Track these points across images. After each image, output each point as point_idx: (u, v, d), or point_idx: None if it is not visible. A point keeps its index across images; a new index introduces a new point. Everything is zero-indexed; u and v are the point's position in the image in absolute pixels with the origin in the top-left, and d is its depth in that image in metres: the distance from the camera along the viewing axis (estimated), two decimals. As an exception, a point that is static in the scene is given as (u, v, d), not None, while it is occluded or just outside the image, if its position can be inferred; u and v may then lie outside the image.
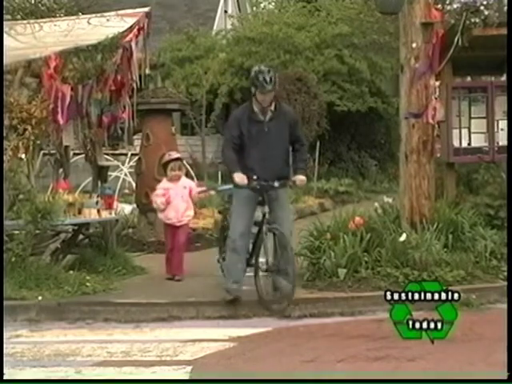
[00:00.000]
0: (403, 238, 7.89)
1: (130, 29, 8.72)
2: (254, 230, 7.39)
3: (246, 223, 7.26)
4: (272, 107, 7.24)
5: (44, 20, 10.53)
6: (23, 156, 7.99)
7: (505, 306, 6.18)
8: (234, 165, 7.16)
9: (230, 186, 7.95)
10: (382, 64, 20.44)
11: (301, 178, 7.29)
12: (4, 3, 12.83)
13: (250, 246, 7.45)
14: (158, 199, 8.54)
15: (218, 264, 8.34)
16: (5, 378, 5.04)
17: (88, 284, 7.81)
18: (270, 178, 7.14)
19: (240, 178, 7.03)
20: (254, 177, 7.08)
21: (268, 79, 7.07)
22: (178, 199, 8.50)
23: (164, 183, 8.62)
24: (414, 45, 8.45)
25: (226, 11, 25.44)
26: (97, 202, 8.67)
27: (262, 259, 7.30)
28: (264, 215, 7.22)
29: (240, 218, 7.26)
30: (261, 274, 7.24)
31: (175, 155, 8.78)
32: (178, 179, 8.58)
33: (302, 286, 7.64)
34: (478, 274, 7.85)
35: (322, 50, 20.69)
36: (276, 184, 7.16)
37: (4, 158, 7.84)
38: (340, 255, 7.70)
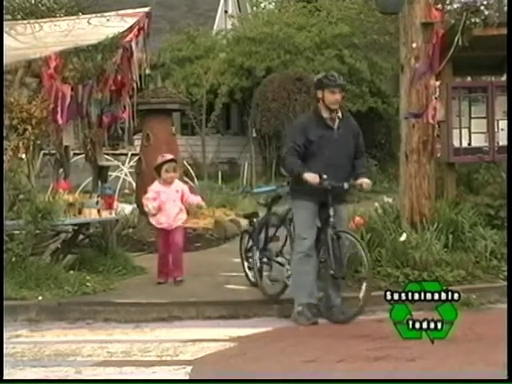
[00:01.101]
0: (403, 237, 7.89)
1: (130, 29, 8.72)
2: None
3: (313, 233, 6.94)
4: (339, 114, 7.05)
5: (44, 20, 10.52)
6: (23, 156, 7.99)
7: (505, 306, 6.18)
8: (300, 167, 6.85)
9: (268, 187, 7.91)
10: (382, 64, 20.44)
11: (366, 181, 7.05)
12: (4, 3, 12.82)
13: None
14: (149, 203, 8.21)
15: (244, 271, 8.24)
16: (5, 378, 5.04)
17: (88, 284, 7.81)
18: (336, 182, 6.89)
19: (311, 176, 6.72)
20: (324, 176, 6.76)
21: (337, 76, 7.03)
22: (170, 203, 8.20)
23: (156, 186, 8.32)
24: (414, 45, 8.45)
25: (226, 11, 25.45)
26: (97, 202, 8.66)
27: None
28: (328, 218, 6.87)
29: (307, 229, 6.93)
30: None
31: (169, 156, 8.49)
32: (171, 182, 8.29)
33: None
34: (478, 273, 7.85)
35: (322, 50, 20.70)
36: (346, 185, 6.92)
37: (4, 157, 7.83)
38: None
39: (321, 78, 7.08)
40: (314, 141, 6.90)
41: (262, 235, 7.88)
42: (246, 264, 8.27)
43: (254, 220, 8.25)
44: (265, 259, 7.79)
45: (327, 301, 6.94)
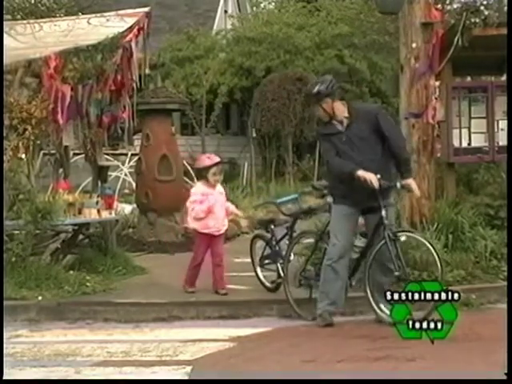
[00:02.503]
0: (403, 238, 7.89)
1: (130, 29, 8.72)
2: (359, 242, 6.91)
3: (349, 241, 6.72)
4: (345, 113, 6.75)
5: (44, 20, 10.53)
6: (23, 156, 7.99)
7: (505, 306, 6.19)
8: (350, 165, 6.54)
9: (290, 196, 7.79)
10: (382, 64, 20.44)
11: (415, 187, 6.78)
12: (4, 3, 12.81)
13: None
14: (197, 207, 7.70)
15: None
16: (5, 378, 5.04)
17: (88, 284, 7.81)
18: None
19: (369, 174, 6.41)
20: (378, 176, 6.45)
21: (311, 90, 6.82)
22: (218, 206, 7.76)
23: (200, 188, 7.82)
24: (413, 45, 8.45)
25: (226, 11, 25.43)
26: (97, 202, 8.66)
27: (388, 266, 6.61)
28: (381, 222, 6.56)
29: (339, 234, 6.68)
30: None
31: (217, 159, 7.94)
32: (216, 185, 7.84)
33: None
34: (478, 273, 7.85)
35: (322, 50, 20.69)
36: (398, 185, 6.68)
37: (4, 157, 7.84)
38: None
39: (317, 89, 6.76)
40: (334, 146, 6.70)
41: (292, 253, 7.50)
42: (259, 270, 8.01)
43: (272, 227, 7.95)
44: (304, 281, 7.29)
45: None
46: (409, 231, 6.95)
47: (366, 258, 6.77)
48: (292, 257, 7.50)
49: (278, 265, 7.68)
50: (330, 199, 7.12)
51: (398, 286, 6.43)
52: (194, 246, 8.03)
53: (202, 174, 7.88)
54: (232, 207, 8.12)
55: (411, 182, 6.74)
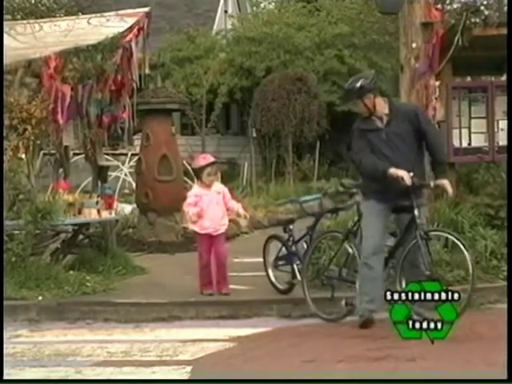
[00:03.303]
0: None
1: (130, 29, 8.72)
2: (390, 241, 6.77)
3: (382, 236, 6.61)
4: (386, 110, 6.69)
5: (44, 20, 10.54)
6: (23, 156, 8.00)
7: (505, 305, 6.20)
8: (383, 164, 6.45)
9: (313, 196, 7.69)
10: (382, 64, 20.42)
11: (449, 188, 6.60)
12: (4, 3, 12.83)
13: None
14: (190, 210, 7.68)
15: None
16: (5, 378, 5.04)
17: (88, 284, 7.81)
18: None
19: (401, 171, 6.32)
20: (411, 173, 6.36)
21: (354, 84, 6.75)
22: (214, 206, 7.67)
23: (196, 189, 7.80)
24: (413, 45, 8.46)
25: (226, 11, 25.44)
26: (97, 202, 8.66)
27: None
28: (413, 221, 6.43)
29: (375, 231, 6.57)
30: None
31: (211, 158, 7.90)
32: (211, 185, 7.77)
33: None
34: (478, 274, 7.82)
35: (322, 50, 20.69)
36: (432, 184, 6.57)
37: (4, 157, 7.84)
38: (340, 255, 7.68)
39: (358, 85, 6.75)
40: (370, 145, 6.59)
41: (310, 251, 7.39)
42: (271, 272, 7.92)
43: (290, 227, 7.84)
44: (326, 280, 7.22)
45: None
46: (442, 231, 6.83)
47: (394, 259, 6.67)
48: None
49: (295, 266, 7.56)
50: (358, 198, 7.11)
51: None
52: (198, 248, 7.98)
53: (197, 174, 7.85)
54: (237, 206, 7.94)
55: (446, 183, 6.60)
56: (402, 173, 6.33)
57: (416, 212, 6.42)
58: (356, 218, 7.06)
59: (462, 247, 6.47)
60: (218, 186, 7.88)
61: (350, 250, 6.95)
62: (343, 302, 6.82)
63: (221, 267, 7.75)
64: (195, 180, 8.29)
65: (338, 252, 7.29)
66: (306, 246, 7.55)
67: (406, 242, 6.55)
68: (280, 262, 7.87)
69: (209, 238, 7.72)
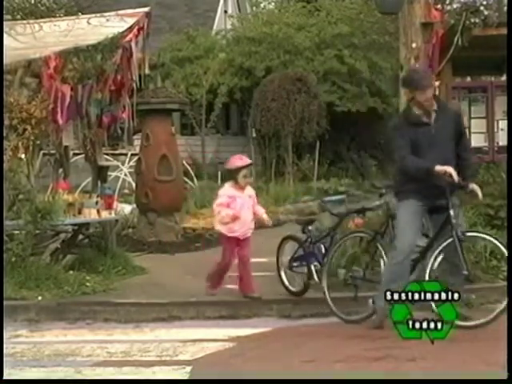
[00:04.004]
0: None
1: (130, 29, 8.72)
2: (422, 242, 6.64)
3: (417, 237, 6.52)
4: (435, 107, 6.58)
5: (44, 20, 10.54)
6: (23, 156, 7.99)
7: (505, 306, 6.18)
8: (426, 163, 6.33)
9: (338, 196, 7.57)
10: (381, 64, 20.43)
11: (479, 192, 6.54)
12: (4, 3, 12.83)
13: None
14: (223, 210, 7.41)
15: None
16: (5, 378, 5.04)
17: (88, 284, 7.81)
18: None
19: (448, 167, 6.22)
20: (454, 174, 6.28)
21: (423, 74, 6.64)
22: (245, 210, 7.45)
23: (228, 190, 7.50)
24: (413, 45, 8.46)
25: (225, 11, 25.44)
26: (97, 202, 8.67)
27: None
28: (448, 220, 6.36)
29: (410, 233, 6.45)
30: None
31: (248, 160, 7.68)
32: (245, 187, 7.54)
33: (302, 286, 7.63)
34: (478, 273, 7.83)
35: (321, 50, 20.69)
36: (470, 186, 6.47)
37: (4, 157, 7.84)
38: (340, 255, 7.68)
39: (412, 77, 6.66)
40: (413, 140, 6.46)
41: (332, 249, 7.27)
42: (283, 273, 7.71)
43: (309, 228, 7.67)
44: (350, 280, 7.08)
45: None
46: (480, 232, 6.79)
47: (425, 259, 6.52)
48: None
49: (312, 267, 7.40)
50: (388, 198, 7.05)
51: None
52: (222, 249, 7.68)
53: (232, 175, 7.54)
54: (261, 212, 7.69)
55: (476, 187, 6.57)
56: (449, 169, 6.26)
57: (452, 212, 6.37)
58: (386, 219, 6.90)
59: (502, 249, 6.43)
60: (249, 189, 7.64)
61: (378, 251, 6.84)
62: (370, 301, 6.66)
63: (245, 271, 7.54)
64: (194, 180, 8.20)
65: (365, 252, 7.18)
66: (324, 247, 7.41)
67: (437, 243, 6.46)
68: (295, 263, 7.66)
69: (235, 241, 7.50)
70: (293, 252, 7.75)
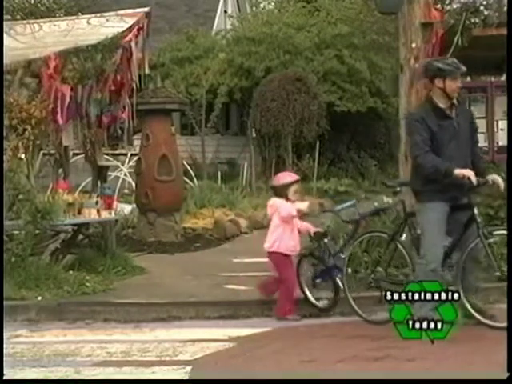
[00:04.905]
0: (403, 237, 7.88)
1: (130, 29, 8.72)
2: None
3: (444, 242, 6.34)
4: (455, 100, 6.44)
5: (44, 20, 10.54)
6: (23, 156, 7.99)
7: (505, 306, 6.19)
8: (445, 164, 6.20)
9: (348, 203, 7.43)
10: (381, 64, 20.44)
11: (501, 181, 6.43)
12: (4, 3, 12.83)
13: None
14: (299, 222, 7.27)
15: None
16: (5, 378, 5.04)
17: (88, 284, 7.80)
18: None
19: (467, 171, 6.12)
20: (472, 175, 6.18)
21: (452, 62, 6.48)
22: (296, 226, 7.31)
23: (291, 206, 7.20)
24: (413, 45, 8.45)
25: (225, 11, 25.46)
26: (96, 202, 8.67)
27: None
28: (472, 219, 6.27)
29: (442, 235, 6.30)
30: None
31: (296, 176, 7.51)
32: (295, 203, 7.27)
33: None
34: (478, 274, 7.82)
35: (321, 50, 20.70)
36: (490, 181, 6.39)
37: (4, 157, 7.84)
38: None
39: (441, 65, 6.44)
40: (436, 133, 6.30)
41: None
42: (308, 292, 7.35)
43: (325, 240, 7.37)
44: (374, 283, 6.91)
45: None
46: (506, 229, 6.68)
47: (451, 259, 6.44)
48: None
49: (337, 279, 7.13)
50: (402, 196, 6.97)
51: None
52: (278, 272, 7.23)
53: (281, 191, 7.24)
54: (304, 225, 7.42)
55: (496, 177, 6.46)
56: (468, 173, 6.16)
57: (475, 210, 6.30)
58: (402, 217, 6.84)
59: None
60: (296, 205, 7.31)
61: (398, 250, 6.74)
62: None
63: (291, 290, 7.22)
64: (194, 180, 8.11)
65: (385, 252, 7.06)
66: (344, 257, 7.21)
67: (462, 242, 6.37)
68: (318, 280, 7.38)
69: (289, 258, 7.24)
70: (313, 269, 7.50)
